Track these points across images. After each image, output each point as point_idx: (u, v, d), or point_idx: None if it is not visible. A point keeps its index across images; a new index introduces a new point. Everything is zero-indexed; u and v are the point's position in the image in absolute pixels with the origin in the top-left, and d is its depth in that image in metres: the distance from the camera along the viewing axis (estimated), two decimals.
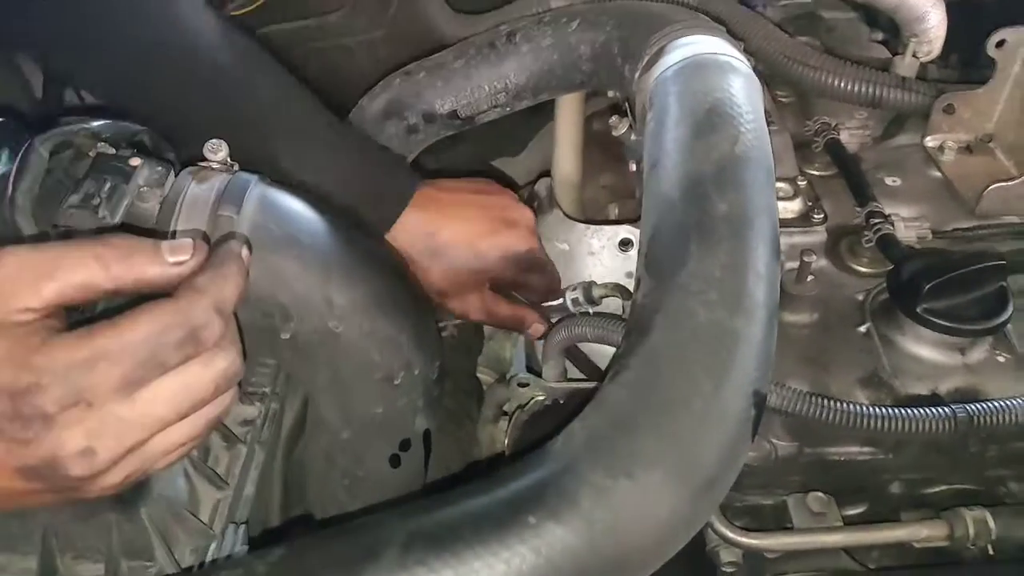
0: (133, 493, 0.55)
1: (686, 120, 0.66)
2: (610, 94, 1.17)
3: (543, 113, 1.19)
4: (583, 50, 0.87)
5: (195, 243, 0.49)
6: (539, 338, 0.92)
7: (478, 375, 1.15)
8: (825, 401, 0.65)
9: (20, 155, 0.60)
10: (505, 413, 0.88)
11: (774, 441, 0.70)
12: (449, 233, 0.83)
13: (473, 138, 1.52)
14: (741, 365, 0.54)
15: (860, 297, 0.78)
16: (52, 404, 0.40)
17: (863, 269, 0.81)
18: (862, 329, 0.75)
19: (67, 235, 0.58)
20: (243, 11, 1.29)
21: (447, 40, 1.09)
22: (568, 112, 1.11)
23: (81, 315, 0.54)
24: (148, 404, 0.43)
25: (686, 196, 0.62)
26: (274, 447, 0.72)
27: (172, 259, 0.47)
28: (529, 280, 0.90)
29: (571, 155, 1.11)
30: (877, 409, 0.65)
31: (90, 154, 0.64)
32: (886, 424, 0.64)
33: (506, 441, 0.83)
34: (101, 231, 0.59)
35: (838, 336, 0.75)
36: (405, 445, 0.74)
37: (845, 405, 0.65)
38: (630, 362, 0.56)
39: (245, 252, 0.53)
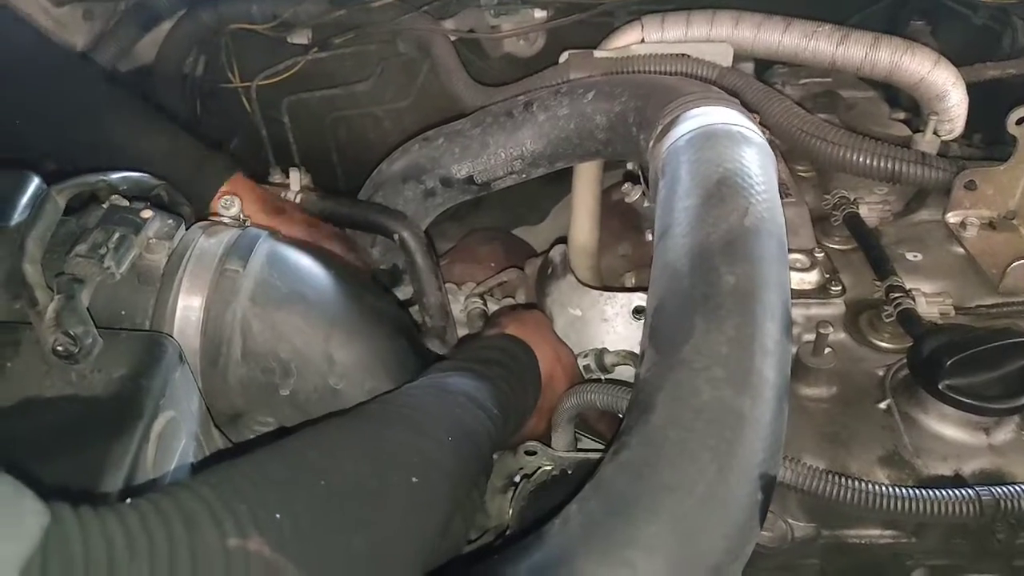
0: None
1: (696, 190, 0.65)
2: (629, 166, 1.18)
3: (564, 183, 1.20)
4: (599, 119, 0.88)
5: None
6: None
7: None
8: (844, 480, 0.62)
9: (36, 203, 0.61)
10: (515, 483, 0.86)
11: (790, 521, 0.67)
12: None
13: (495, 206, 1.55)
14: (747, 447, 0.51)
15: (880, 372, 0.75)
16: None
17: (883, 344, 0.79)
18: (882, 405, 0.72)
19: (75, 282, 0.58)
20: (275, 79, 1.34)
21: (469, 110, 1.11)
22: (585, 181, 1.11)
23: None
24: None
25: (693, 268, 0.60)
26: None
27: None
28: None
29: (588, 223, 1.11)
30: (898, 489, 0.62)
31: (103, 205, 0.65)
32: (907, 505, 0.60)
33: (510, 512, 0.80)
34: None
35: (857, 412, 0.72)
36: None
37: (865, 484, 0.62)
38: (630, 440, 0.54)
39: None
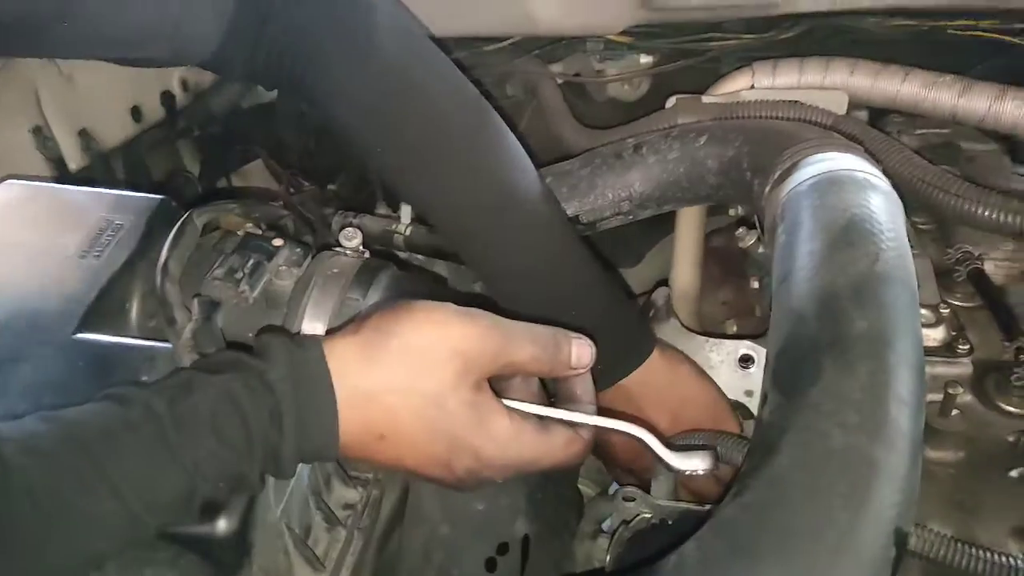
0: (235, 564, 0.55)
1: (821, 234, 0.64)
2: (730, 211, 1.17)
3: (662, 227, 1.20)
4: (710, 164, 0.87)
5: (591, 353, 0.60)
6: None
7: (579, 486, 1.10)
8: (975, 550, 0.58)
9: (177, 226, 0.65)
10: (603, 531, 0.84)
11: None
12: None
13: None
14: (881, 497, 0.49)
15: (1011, 439, 0.71)
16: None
17: (1013, 409, 0.74)
18: (1014, 473, 0.68)
19: (211, 304, 0.61)
20: None
21: (573, 151, 1.12)
22: (688, 225, 1.10)
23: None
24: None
25: (820, 311, 0.59)
26: (371, 534, 0.71)
27: (575, 367, 0.59)
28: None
29: (690, 268, 1.10)
30: None
31: (239, 232, 0.68)
32: None
33: (607, 558, 0.78)
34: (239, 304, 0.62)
35: (987, 479, 0.68)
36: (503, 549, 0.71)
37: (997, 556, 0.58)
38: (753, 483, 0.52)
39: None
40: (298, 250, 0.68)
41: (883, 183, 0.70)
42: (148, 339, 0.62)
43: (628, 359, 0.81)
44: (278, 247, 0.66)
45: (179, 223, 0.65)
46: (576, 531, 0.90)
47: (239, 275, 0.62)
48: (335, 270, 0.68)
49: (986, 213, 0.87)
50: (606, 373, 0.78)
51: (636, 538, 0.79)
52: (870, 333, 0.56)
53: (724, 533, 0.51)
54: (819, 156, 0.73)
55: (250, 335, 0.65)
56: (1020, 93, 1.01)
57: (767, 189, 0.77)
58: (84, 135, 1.12)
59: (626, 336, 0.83)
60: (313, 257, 0.70)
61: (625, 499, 0.81)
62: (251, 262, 0.63)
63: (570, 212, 0.96)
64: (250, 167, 1.36)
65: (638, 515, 0.80)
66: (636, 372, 0.80)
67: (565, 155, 1.10)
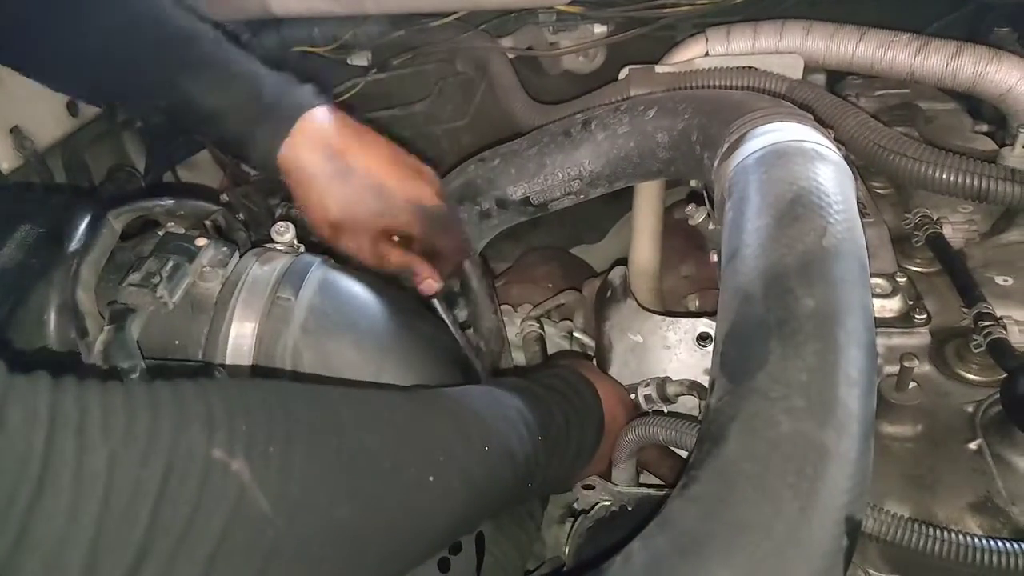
0: None
1: (768, 210, 0.62)
2: (693, 184, 1.14)
3: (624, 201, 1.17)
4: (660, 137, 0.84)
5: None
6: (431, 296, 0.81)
7: None
8: (930, 529, 0.57)
9: (88, 229, 0.61)
10: (573, 512, 0.82)
11: (871, 573, 0.62)
12: (358, 160, 0.72)
13: (553, 224, 1.52)
14: (832, 485, 0.47)
15: (970, 409, 0.69)
16: None
17: (972, 377, 0.73)
18: (972, 446, 0.66)
19: (127, 312, 0.58)
20: (334, 101, 1.34)
21: (526, 128, 1.09)
22: (647, 200, 1.08)
23: None
24: None
25: (767, 291, 0.56)
26: None
27: None
28: (436, 241, 0.79)
29: (649, 244, 1.07)
30: (992, 542, 0.56)
31: (160, 232, 0.64)
32: (1003, 560, 0.55)
33: (566, 550, 0.77)
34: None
35: (945, 453, 0.66)
36: (456, 548, 0.69)
37: (954, 535, 0.57)
38: (700, 475, 0.50)
39: None
40: (224, 249, 0.64)
41: (832, 153, 0.67)
42: (67, 351, 0.59)
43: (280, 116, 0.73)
44: (201, 247, 0.63)
45: (92, 226, 0.61)
46: (541, 518, 0.89)
47: (156, 279, 0.58)
48: (265, 268, 0.65)
49: (943, 175, 0.84)
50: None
51: (596, 527, 0.78)
52: (818, 311, 0.54)
53: (670, 530, 0.49)
54: (767, 127, 0.70)
55: (176, 342, 0.62)
56: (977, 50, 0.98)
57: (716, 163, 0.75)
58: (16, 133, 1.07)
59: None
60: (242, 255, 0.66)
61: (584, 487, 0.80)
62: (170, 264, 0.60)
63: (519, 194, 0.93)
64: (197, 158, 1.31)
65: (597, 503, 0.78)
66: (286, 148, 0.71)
67: (518, 132, 1.07)
